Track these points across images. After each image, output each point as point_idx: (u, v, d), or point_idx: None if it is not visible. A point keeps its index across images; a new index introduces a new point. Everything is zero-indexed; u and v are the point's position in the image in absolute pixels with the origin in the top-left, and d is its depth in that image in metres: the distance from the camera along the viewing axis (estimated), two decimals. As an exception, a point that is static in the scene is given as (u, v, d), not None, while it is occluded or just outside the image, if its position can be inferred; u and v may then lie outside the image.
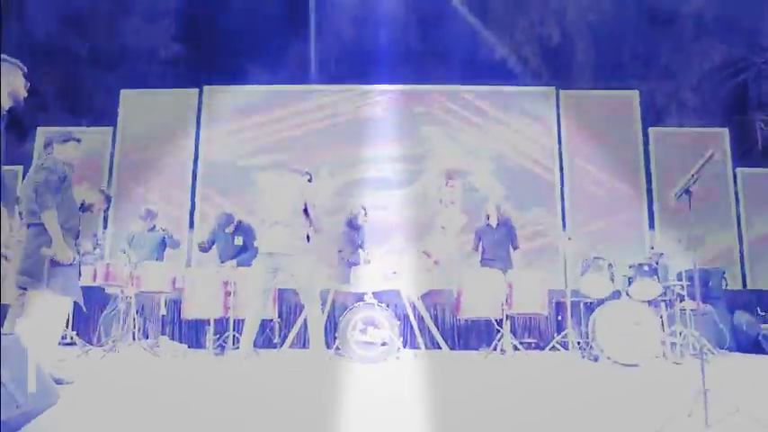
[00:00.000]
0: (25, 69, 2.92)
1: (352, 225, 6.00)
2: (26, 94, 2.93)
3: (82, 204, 4.69)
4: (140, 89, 8.11)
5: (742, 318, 6.53)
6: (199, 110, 8.08)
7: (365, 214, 6.04)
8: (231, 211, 6.14)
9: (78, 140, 3.73)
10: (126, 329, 5.39)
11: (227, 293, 5.36)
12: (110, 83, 8.00)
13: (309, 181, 4.61)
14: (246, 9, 7.50)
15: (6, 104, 2.80)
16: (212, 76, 8.09)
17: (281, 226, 4.33)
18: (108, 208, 5.37)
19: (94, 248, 5.42)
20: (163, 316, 6.32)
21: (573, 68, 8.10)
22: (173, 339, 6.35)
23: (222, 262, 5.89)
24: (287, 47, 7.83)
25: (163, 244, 6.06)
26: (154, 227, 6.15)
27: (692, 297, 5.78)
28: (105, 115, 8.08)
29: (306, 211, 4.36)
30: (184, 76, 8.09)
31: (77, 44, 7.71)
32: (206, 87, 8.13)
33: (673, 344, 5.44)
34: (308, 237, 4.43)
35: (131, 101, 8.13)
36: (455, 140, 7.89)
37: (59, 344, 5.47)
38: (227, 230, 5.98)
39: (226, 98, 8.14)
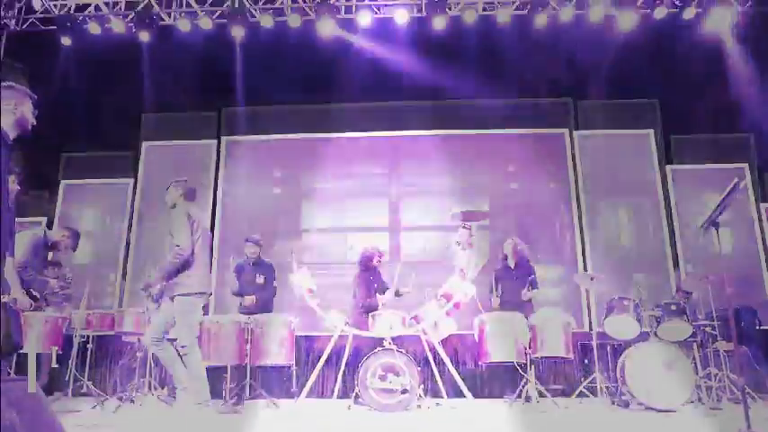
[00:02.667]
0: (35, 97, 2.80)
1: (367, 267, 5.91)
2: (34, 122, 2.78)
3: (46, 243, 4.62)
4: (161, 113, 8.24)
5: (779, 359, 6.23)
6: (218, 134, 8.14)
7: (379, 257, 5.97)
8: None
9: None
10: (143, 379, 5.31)
11: (245, 341, 5.26)
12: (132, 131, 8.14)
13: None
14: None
15: (13, 133, 2.68)
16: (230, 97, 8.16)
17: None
18: (76, 246, 5.11)
19: (63, 289, 5.08)
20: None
21: (589, 78, 7.93)
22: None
23: (241, 295, 5.86)
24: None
25: None
26: None
27: (725, 337, 5.56)
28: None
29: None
30: (203, 98, 8.15)
31: (102, 91, 7.81)
32: (224, 109, 8.21)
33: (708, 388, 5.19)
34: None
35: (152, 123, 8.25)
36: (468, 172, 7.83)
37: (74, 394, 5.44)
38: (250, 255, 5.97)
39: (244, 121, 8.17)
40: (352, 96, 7.98)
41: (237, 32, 7.25)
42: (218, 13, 7.38)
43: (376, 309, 5.43)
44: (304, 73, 7.69)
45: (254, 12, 7.35)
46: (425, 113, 8.03)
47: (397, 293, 5.84)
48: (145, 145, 8.19)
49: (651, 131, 7.93)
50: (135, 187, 8.05)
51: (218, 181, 7.98)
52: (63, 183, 8.15)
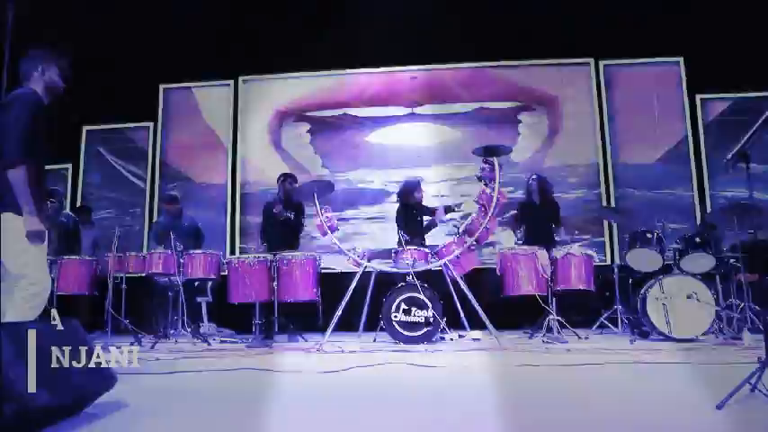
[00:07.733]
0: (58, 59, 2.72)
1: (408, 199, 5.90)
2: (64, 85, 2.73)
3: None
4: (178, 83, 8.26)
5: (803, 290, 6.20)
6: (235, 102, 8.15)
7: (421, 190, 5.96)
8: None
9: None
10: (176, 317, 5.53)
11: (271, 278, 5.40)
12: (148, 79, 8.13)
13: None
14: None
15: (47, 98, 2.67)
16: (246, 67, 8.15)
17: None
18: None
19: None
20: (209, 303, 6.46)
21: (611, 38, 7.73)
22: (220, 325, 6.49)
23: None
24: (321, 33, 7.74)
25: (198, 233, 6.21)
26: (181, 214, 6.32)
27: (749, 269, 5.52)
28: (146, 111, 8.27)
29: None
30: (219, 68, 8.14)
31: (114, 44, 7.79)
32: (241, 78, 8.19)
33: (729, 319, 5.22)
34: None
35: (170, 95, 8.29)
36: (492, 119, 7.77)
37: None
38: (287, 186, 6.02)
39: (261, 88, 8.19)
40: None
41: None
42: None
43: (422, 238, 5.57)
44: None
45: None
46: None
47: (450, 209, 5.86)
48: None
49: (681, 59, 7.66)
50: (155, 130, 8.15)
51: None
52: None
